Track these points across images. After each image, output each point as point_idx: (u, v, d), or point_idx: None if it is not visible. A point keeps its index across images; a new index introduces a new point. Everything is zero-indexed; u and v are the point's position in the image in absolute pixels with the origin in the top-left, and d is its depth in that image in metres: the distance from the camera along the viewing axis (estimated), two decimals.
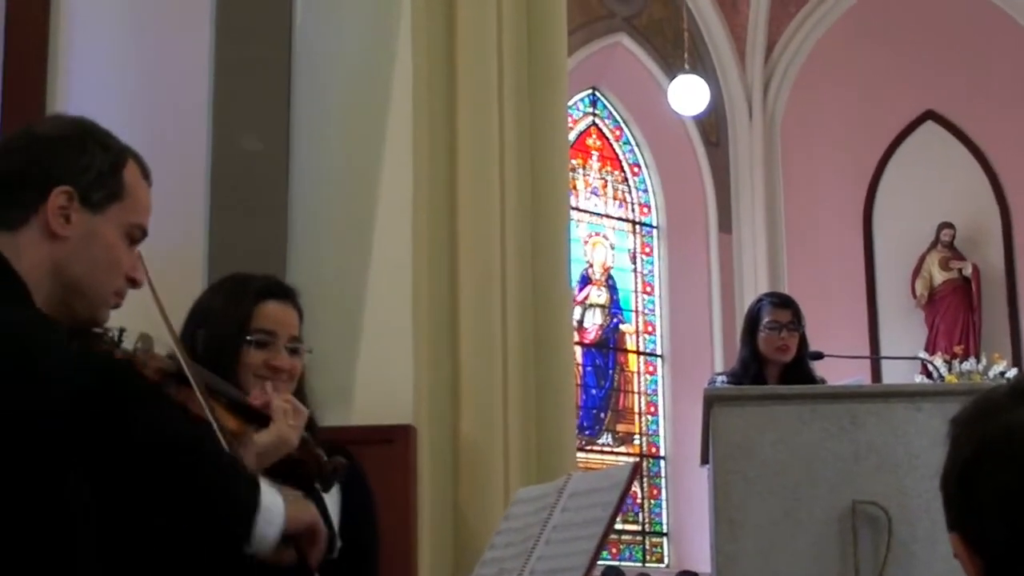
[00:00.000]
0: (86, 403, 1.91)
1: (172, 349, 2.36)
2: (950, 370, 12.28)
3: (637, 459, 11.95)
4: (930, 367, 11.66)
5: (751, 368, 5.57)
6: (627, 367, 12.82)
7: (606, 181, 13.06)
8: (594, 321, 12.74)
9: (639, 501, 12.33)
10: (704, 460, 4.73)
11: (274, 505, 2.13)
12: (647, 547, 12.34)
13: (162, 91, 5.12)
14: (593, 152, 13.02)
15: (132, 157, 2.19)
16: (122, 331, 2.29)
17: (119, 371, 2.12)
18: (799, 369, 5.57)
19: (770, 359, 5.56)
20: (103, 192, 2.12)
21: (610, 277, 12.93)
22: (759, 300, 5.82)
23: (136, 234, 2.17)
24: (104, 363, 2.10)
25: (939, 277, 13.18)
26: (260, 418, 2.53)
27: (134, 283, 2.17)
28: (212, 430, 2.27)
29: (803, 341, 5.62)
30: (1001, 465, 1.46)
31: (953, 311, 13.07)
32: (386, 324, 5.15)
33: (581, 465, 10.00)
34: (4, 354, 1.88)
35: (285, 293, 2.87)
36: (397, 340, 5.12)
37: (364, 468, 2.92)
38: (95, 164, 2.12)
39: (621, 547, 12.06)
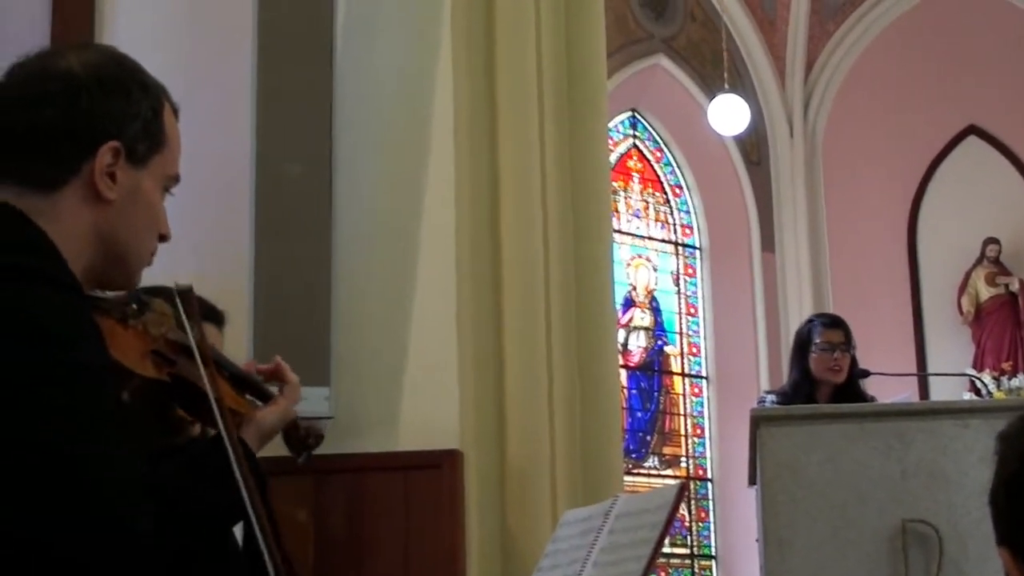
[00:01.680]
0: None
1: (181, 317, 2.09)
2: (999, 387, 12.15)
3: (684, 480, 11.89)
4: (978, 384, 11.56)
5: (803, 388, 5.53)
6: (672, 389, 12.76)
7: (648, 203, 13.04)
8: (638, 344, 12.70)
9: (687, 524, 12.26)
10: (752, 481, 4.71)
11: None
12: (696, 570, 12.26)
13: (206, 119, 5.17)
14: (634, 174, 13.00)
15: (164, 94, 1.90)
16: (143, 303, 2.04)
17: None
18: (851, 390, 5.52)
19: (821, 380, 5.52)
20: (147, 143, 1.83)
21: (654, 299, 12.90)
22: (810, 321, 5.77)
23: (171, 185, 1.90)
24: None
25: (985, 293, 13.06)
26: (261, 393, 2.34)
27: (164, 239, 1.90)
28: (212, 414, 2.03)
29: (854, 362, 5.58)
30: None
31: (1000, 327, 12.94)
32: (432, 349, 5.17)
33: (628, 488, 9.95)
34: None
35: (222, 320, 2.84)
36: (443, 365, 5.14)
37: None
38: (141, 112, 1.83)
39: (670, 571, 11.99)
